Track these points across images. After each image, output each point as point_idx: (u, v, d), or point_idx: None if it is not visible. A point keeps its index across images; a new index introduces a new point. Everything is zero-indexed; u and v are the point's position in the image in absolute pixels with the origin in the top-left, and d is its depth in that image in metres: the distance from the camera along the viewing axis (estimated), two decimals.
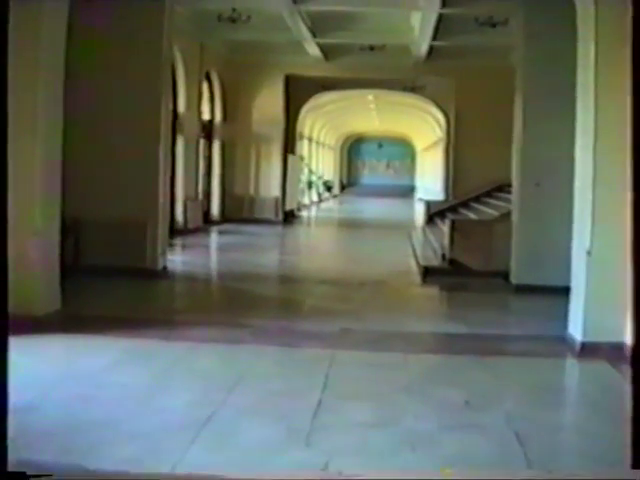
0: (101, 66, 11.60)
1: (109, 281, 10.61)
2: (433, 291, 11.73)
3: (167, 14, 11.93)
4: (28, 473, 3.71)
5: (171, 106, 18.47)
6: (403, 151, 54.36)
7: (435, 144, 35.24)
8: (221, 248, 17.55)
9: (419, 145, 48.12)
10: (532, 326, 8.83)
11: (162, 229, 11.96)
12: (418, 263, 13.98)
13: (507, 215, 13.12)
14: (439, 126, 30.69)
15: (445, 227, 14.69)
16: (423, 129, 38.77)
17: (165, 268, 12.05)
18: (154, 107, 11.72)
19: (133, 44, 11.76)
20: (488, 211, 18.06)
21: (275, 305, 9.98)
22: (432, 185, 34.69)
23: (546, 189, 11.15)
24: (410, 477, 4.39)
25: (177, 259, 14.30)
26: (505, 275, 11.86)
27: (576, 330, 7.78)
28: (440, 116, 26.41)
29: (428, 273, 12.91)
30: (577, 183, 8.14)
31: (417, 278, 12.67)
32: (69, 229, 10.23)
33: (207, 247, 17.08)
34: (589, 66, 7.79)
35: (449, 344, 7.91)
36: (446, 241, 13.24)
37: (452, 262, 12.99)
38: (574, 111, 10.57)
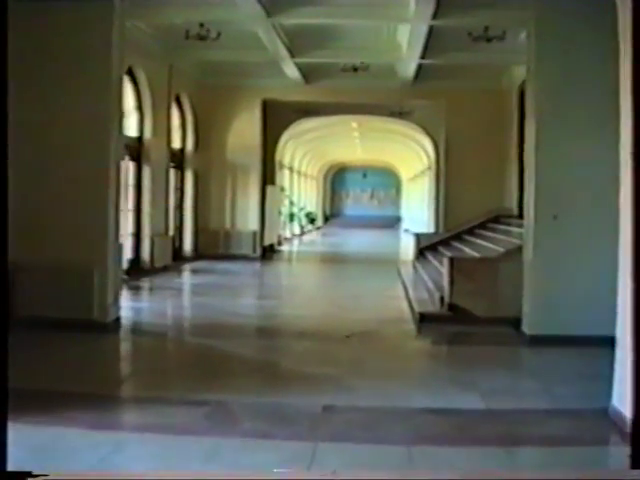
0: (38, 87, 9.88)
1: (45, 337, 8.85)
2: (432, 345, 9.89)
3: (116, 29, 10.16)
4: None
5: (135, 133, 16.79)
6: (388, 181, 52.88)
7: (422, 173, 33.81)
8: (190, 291, 15.65)
9: (405, 174, 46.72)
10: (562, 395, 7.04)
11: (113, 274, 10.15)
12: (412, 308, 12.21)
13: (515, 252, 11.37)
14: (426, 154, 29.37)
15: (442, 266, 12.94)
16: (409, 158, 37.35)
17: (118, 320, 10.24)
18: (101, 132, 9.96)
19: (77, 62, 10.02)
20: (486, 245, 16.32)
21: (244, 370, 8.02)
22: (419, 216, 33.19)
23: (564, 222, 9.50)
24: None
25: (136, 306, 12.48)
26: (515, 323, 10.22)
27: (623, 404, 6.01)
28: (428, 143, 24.92)
29: (424, 320, 11.15)
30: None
31: (411, 327, 10.89)
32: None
33: (174, 290, 15.19)
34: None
35: (463, 428, 6.06)
36: (445, 282, 11.46)
37: (452, 307, 11.22)
38: (595, 134, 9.19)
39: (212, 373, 7.79)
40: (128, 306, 12.20)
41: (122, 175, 15.84)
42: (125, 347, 9.44)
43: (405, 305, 12.86)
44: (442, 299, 11.60)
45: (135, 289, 14.61)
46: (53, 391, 6.70)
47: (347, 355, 8.83)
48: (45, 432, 5.59)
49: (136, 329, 10.42)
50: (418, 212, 34.97)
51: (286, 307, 13.07)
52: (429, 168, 28.90)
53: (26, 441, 5.30)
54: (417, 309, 11.69)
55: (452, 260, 11.38)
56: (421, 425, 6.10)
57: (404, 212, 49.11)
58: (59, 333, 9.05)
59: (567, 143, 9.56)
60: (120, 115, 10.68)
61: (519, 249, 11.22)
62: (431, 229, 23.66)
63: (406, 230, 41.13)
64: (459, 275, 11.17)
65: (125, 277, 15.32)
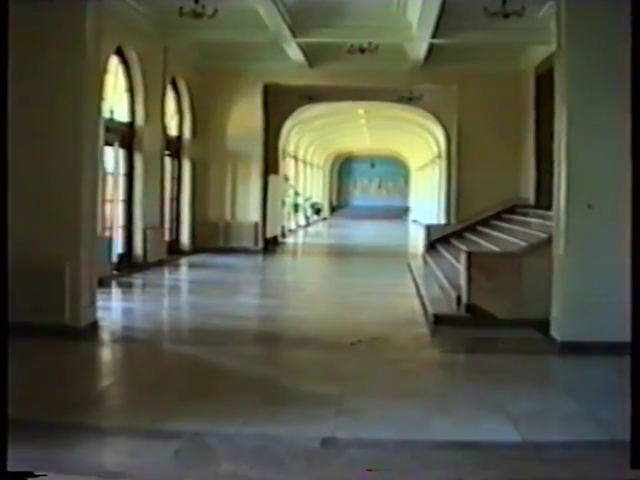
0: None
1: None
2: (450, 354, 8.60)
3: (90, 4, 8.92)
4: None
5: (126, 118, 15.56)
6: (396, 170, 51.52)
7: (431, 162, 32.56)
8: (183, 288, 14.41)
9: (413, 164, 45.38)
10: (610, 420, 5.77)
11: (88, 271, 8.95)
12: (425, 308, 10.99)
13: (540, 245, 10.13)
14: (436, 142, 28.15)
15: (458, 260, 11.73)
16: (418, 146, 36.03)
17: (95, 324, 9.05)
18: (72, 116, 8.73)
19: (44, 40, 8.76)
20: (503, 237, 15.09)
21: (231, 389, 6.71)
22: (428, 206, 32.00)
23: (600, 213, 8.27)
24: None
25: (121, 306, 11.33)
26: (541, 326, 9.05)
27: None
28: (438, 130, 23.65)
29: (439, 323, 9.93)
30: None
31: (425, 331, 9.67)
32: None
33: (166, 287, 13.99)
34: None
35: (495, 468, 4.84)
36: (462, 280, 10.23)
37: (470, 308, 10.00)
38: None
39: (193, 393, 6.56)
40: (112, 306, 11.06)
41: (110, 162, 14.90)
42: (96, 359, 8.13)
43: (417, 304, 11.64)
44: (459, 299, 10.38)
45: (124, 286, 13.43)
46: None
47: (352, 368, 7.57)
48: None
49: (115, 335, 9.16)
50: (427, 202, 33.74)
51: (287, 307, 11.81)
52: (439, 156, 27.68)
53: None
54: (431, 310, 10.46)
55: (470, 255, 10.14)
56: (442, 464, 4.88)
57: (412, 202, 47.80)
58: (23, 341, 7.76)
59: (602, 127, 8.34)
60: (98, 99, 9.50)
61: (545, 242, 10.04)
62: (441, 220, 22.46)
63: (415, 221, 40.02)
64: (478, 272, 9.94)
65: (115, 273, 14.19)
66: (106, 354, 8.44)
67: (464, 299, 10.08)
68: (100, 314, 9.42)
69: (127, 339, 9.01)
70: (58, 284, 8.58)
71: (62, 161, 8.68)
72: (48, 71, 8.76)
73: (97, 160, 9.37)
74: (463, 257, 10.24)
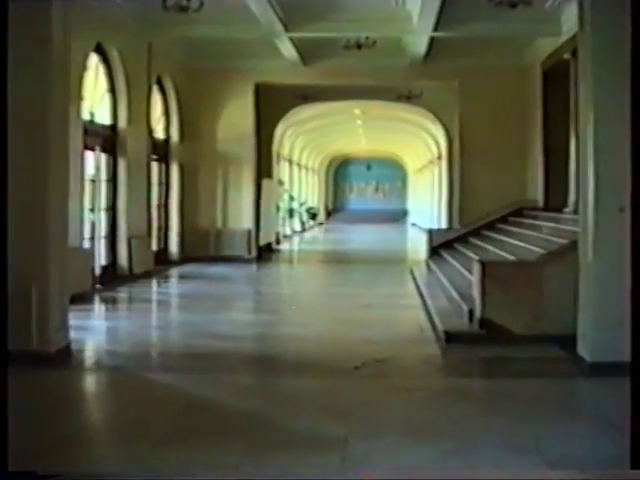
0: None
1: None
2: (465, 378, 7.69)
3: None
4: None
5: (108, 121, 14.64)
6: (393, 173, 50.60)
7: (430, 163, 31.74)
8: (171, 303, 13.46)
9: (411, 165, 44.53)
10: None
11: (58, 290, 8.03)
12: (433, 322, 10.10)
13: (562, 252, 9.24)
14: (435, 143, 27.39)
15: (471, 271, 10.87)
16: (416, 147, 35.24)
17: (67, 348, 8.12)
18: (38, 118, 7.83)
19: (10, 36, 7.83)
20: (512, 242, 14.19)
21: (218, 429, 5.66)
22: (428, 209, 31.27)
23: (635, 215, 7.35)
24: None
25: (99, 326, 10.41)
26: (564, 343, 8.27)
27: None
28: (438, 130, 22.82)
29: (450, 340, 9.03)
30: None
31: (435, 350, 8.75)
32: None
33: (152, 302, 13.07)
34: None
35: None
36: (475, 293, 9.32)
37: (484, 323, 9.10)
38: None
39: (171, 436, 5.60)
40: (90, 326, 10.14)
41: (91, 168, 13.99)
42: (64, 392, 7.08)
43: (423, 318, 10.74)
44: (471, 313, 9.49)
45: (106, 301, 12.53)
46: None
47: (357, 399, 6.63)
48: None
49: (87, 361, 8.24)
50: (426, 205, 32.96)
51: (282, 324, 10.88)
52: (438, 158, 26.96)
53: None
54: (440, 325, 9.56)
55: (484, 265, 9.22)
56: None
57: (411, 205, 46.98)
58: None
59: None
60: (68, 97, 8.59)
61: (567, 249, 9.17)
62: (441, 223, 21.58)
63: (413, 224, 39.28)
64: (493, 284, 9.04)
65: (98, 287, 13.31)
66: (75, 386, 7.41)
67: (477, 313, 9.18)
68: (75, 335, 8.52)
69: (101, 366, 8.05)
70: (24, 305, 7.65)
71: (26, 165, 7.74)
72: (12, 66, 7.84)
73: (68, 164, 8.43)
74: (476, 267, 9.33)
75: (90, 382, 7.62)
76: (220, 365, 8.01)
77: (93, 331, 9.97)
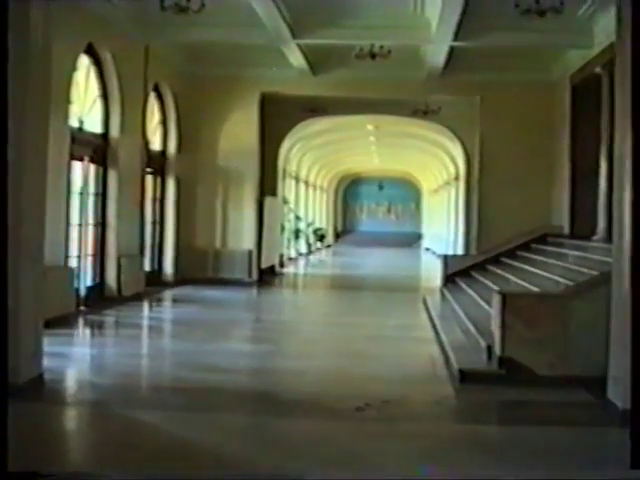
0: None
1: None
2: (482, 426, 7.26)
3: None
4: None
5: (100, 129, 14.36)
6: (407, 193, 50.46)
7: (447, 184, 31.48)
8: (161, 330, 13.11)
9: (426, 186, 44.34)
10: None
11: (32, 314, 7.69)
12: (447, 358, 9.72)
13: (591, 285, 8.89)
14: (453, 162, 27.09)
15: (488, 302, 10.48)
16: (432, 167, 35.12)
17: (40, 378, 7.76)
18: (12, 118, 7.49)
19: None
20: (535, 271, 13.86)
21: None
22: (444, 234, 31.17)
23: None
24: None
25: (80, 353, 10.04)
26: (593, 385, 7.98)
27: None
28: (456, 149, 22.56)
29: (465, 380, 8.65)
30: None
31: (448, 390, 8.41)
32: None
33: (140, 328, 12.71)
34: None
35: None
36: (495, 327, 8.94)
37: (504, 362, 8.70)
38: None
39: None
40: (69, 353, 9.79)
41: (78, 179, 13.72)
42: (25, 427, 6.60)
43: (436, 352, 10.42)
44: (489, 349, 9.13)
45: (90, 326, 12.21)
46: None
47: (358, 447, 6.21)
48: None
49: (61, 394, 7.85)
50: (442, 229, 32.74)
51: (282, 356, 10.52)
52: (456, 178, 26.71)
53: None
54: (455, 362, 9.18)
55: (504, 296, 8.84)
56: None
57: (425, 229, 46.78)
58: None
59: None
60: (45, 109, 8.27)
61: (597, 281, 8.81)
62: (457, 249, 21.21)
63: (427, 249, 39.02)
64: (515, 318, 8.67)
65: (82, 309, 13.00)
66: (42, 422, 6.97)
67: (497, 350, 8.82)
68: (51, 364, 8.23)
69: (75, 400, 7.70)
70: None
71: None
72: None
73: (45, 174, 8.09)
74: (496, 298, 8.95)
75: (59, 418, 7.19)
76: (209, 402, 7.63)
77: (72, 359, 9.65)
